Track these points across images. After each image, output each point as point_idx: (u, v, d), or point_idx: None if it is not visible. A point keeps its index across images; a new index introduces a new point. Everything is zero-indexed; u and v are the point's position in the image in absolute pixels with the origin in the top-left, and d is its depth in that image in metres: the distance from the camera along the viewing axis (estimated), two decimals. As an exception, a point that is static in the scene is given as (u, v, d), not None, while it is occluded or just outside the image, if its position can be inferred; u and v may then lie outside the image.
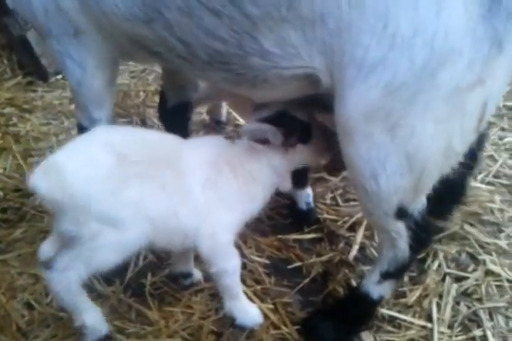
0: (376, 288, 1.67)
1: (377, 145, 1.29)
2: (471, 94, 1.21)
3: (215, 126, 2.88)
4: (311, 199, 2.26)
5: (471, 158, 1.81)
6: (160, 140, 1.65)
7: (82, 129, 1.88)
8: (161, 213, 1.50)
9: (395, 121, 1.24)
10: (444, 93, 1.18)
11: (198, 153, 1.63)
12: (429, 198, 2.01)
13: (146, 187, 1.47)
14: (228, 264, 1.62)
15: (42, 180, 1.41)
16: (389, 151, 1.29)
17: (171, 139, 1.69)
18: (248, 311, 1.73)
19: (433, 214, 2.01)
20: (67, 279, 1.48)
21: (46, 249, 1.63)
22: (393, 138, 1.26)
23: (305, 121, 1.68)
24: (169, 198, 1.51)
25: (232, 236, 1.62)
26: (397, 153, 1.29)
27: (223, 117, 2.87)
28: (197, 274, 1.92)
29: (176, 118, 2.30)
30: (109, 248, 1.47)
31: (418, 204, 1.48)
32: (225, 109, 2.85)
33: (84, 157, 1.46)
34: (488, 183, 2.48)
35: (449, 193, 1.94)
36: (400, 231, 1.50)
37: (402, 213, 1.45)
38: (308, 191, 2.25)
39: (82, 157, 1.46)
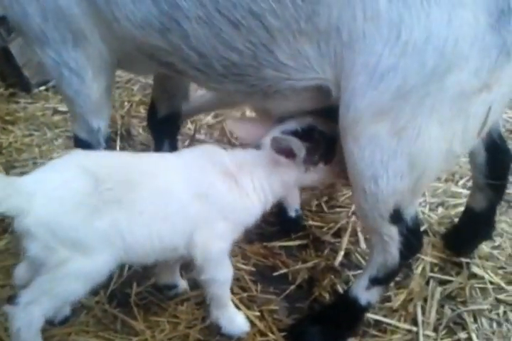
0: (364, 293, 1.68)
1: (381, 148, 1.32)
2: (477, 99, 1.26)
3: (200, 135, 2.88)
4: (298, 207, 2.27)
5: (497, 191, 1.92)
6: (139, 162, 1.60)
7: (79, 141, 1.86)
8: (140, 238, 1.48)
9: (402, 124, 1.28)
10: (450, 96, 1.24)
11: (187, 166, 1.59)
12: (454, 235, 2.14)
13: (121, 214, 1.44)
14: (219, 274, 1.62)
15: (7, 201, 1.34)
16: (393, 153, 1.32)
17: (152, 159, 1.66)
18: (234, 320, 1.73)
19: (459, 251, 2.12)
20: (30, 315, 1.42)
21: (21, 272, 1.60)
22: (399, 140, 1.30)
23: (333, 137, 1.56)
24: (149, 223, 1.48)
25: (226, 245, 1.60)
26: (401, 155, 1.32)
27: None
28: (182, 284, 1.90)
29: (165, 129, 2.31)
30: (75, 276, 1.43)
31: (412, 209, 1.51)
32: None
33: (56, 180, 1.42)
34: (470, 188, 2.51)
35: (476, 228, 2.03)
36: (393, 235, 1.52)
37: (396, 217, 1.47)
38: (299, 199, 2.27)
39: (54, 180, 1.42)
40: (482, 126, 1.34)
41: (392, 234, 1.52)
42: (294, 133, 1.56)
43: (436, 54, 1.19)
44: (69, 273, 1.42)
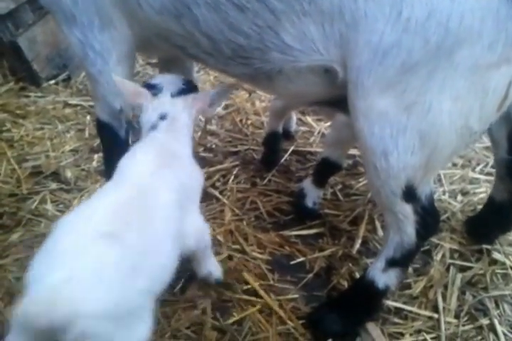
0: (382, 276, 1.65)
1: (391, 123, 1.31)
2: (495, 73, 1.23)
3: (211, 126, 2.86)
4: (318, 200, 2.24)
5: None
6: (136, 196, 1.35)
7: (101, 126, 1.90)
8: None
9: (412, 98, 1.27)
10: (462, 71, 1.21)
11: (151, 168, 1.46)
12: (475, 223, 2.12)
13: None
14: (207, 238, 1.69)
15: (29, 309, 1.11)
16: (403, 128, 1.31)
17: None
18: (217, 264, 1.84)
19: (479, 239, 2.09)
20: None
21: None
22: (409, 115, 1.29)
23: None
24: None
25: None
26: (412, 130, 1.31)
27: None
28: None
29: None
30: None
31: (426, 187, 1.48)
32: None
33: (85, 264, 1.11)
34: (487, 174, 2.48)
35: (497, 219, 2.00)
36: (407, 214, 1.49)
37: (409, 195, 1.45)
38: (321, 193, 2.24)
39: (83, 264, 1.11)
40: (502, 101, 1.30)
41: (407, 212, 1.50)
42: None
43: (440, 29, 1.17)
44: None
